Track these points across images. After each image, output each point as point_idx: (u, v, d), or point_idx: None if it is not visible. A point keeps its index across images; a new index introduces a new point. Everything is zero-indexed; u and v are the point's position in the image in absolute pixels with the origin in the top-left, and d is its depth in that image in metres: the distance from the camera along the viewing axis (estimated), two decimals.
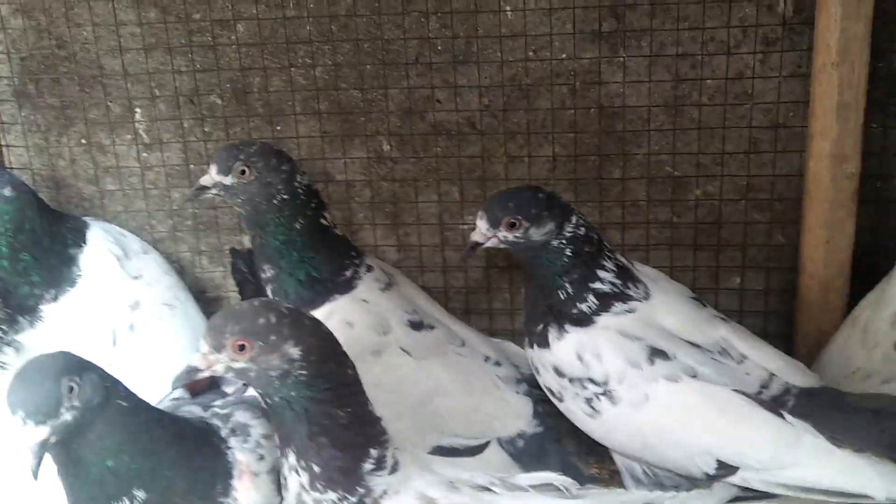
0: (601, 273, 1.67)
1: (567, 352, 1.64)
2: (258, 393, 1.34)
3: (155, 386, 1.77)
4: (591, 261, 1.67)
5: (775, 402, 1.59)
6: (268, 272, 1.82)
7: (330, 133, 2.12)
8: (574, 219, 1.65)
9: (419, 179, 2.14)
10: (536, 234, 1.63)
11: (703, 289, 2.02)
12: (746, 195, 2.05)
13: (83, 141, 2.17)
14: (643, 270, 1.76)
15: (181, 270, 2.16)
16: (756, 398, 1.58)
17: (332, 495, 1.30)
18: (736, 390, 1.57)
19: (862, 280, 1.92)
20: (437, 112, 2.08)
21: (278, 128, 2.12)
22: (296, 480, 1.32)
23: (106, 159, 2.19)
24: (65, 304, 1.86)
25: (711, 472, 1.56)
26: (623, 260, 1.71)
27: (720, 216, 2.07)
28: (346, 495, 1.30)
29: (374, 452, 1.32)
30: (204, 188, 1.76)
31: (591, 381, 1.61)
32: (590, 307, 1.65)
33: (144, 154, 2.18)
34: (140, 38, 2.08)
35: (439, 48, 2.02)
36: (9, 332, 1.81)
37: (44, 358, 1.31)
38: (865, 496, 1.48)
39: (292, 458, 1.32)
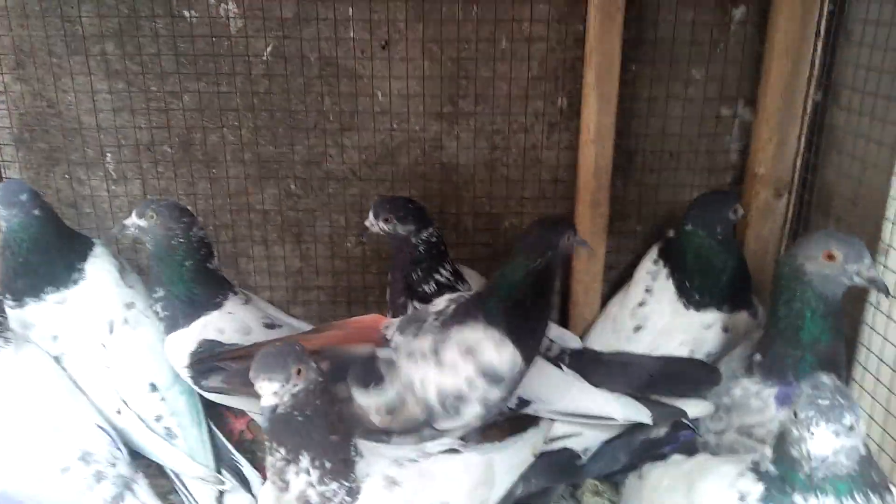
0: (441, 270, 1.75)
1: None
2: None
3: (142, 367, 1.72)
4: (436, 260, 1.76)
5: (556, 359, 1.65)
6: (159, 292, 1.70)
7: (252, 176, 2.09)
8: (430, 229, 1.75)
9: (316, 210, 2.13)
10: (401, 229, 1.73)
11: None
12: None
13: (66, 176, 2.08)
14: (470, 274, 1.84)
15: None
16: (543, 355, 1.63)
17: (334, 486, 1.17)
18: None
19: (610, 286, 2.04)
20: (330, 164, 2.08)
21: (214, 171, 2.08)
22: (303, 480, 1.16)
23: (83, 189, 2.10)
24: (70, 297, 1.72)
25: (513, 406, 1.56)
26: (456, 266, 1.79)
27: None
28: (344, 482, 1.18)
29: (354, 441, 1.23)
30: (125, 226, 1.69)
31: None
32: (431, 289, 1.72)
33: (113, 187, 2.10)
34: (111, 102, 2.01)
35: (331, 119, 2.03)
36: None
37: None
38: (611, 418, 1.57)
39: (304, 462, 1.16)
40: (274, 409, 1.14)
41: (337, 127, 2.03)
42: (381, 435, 1.47)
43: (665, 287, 1.86)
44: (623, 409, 1.58)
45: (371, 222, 1.76)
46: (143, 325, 1.76)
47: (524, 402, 1.59)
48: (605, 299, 2.03)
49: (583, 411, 1.60)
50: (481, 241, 2.14)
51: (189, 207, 1.75)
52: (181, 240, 1.66)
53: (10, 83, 2.00)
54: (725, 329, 1.80)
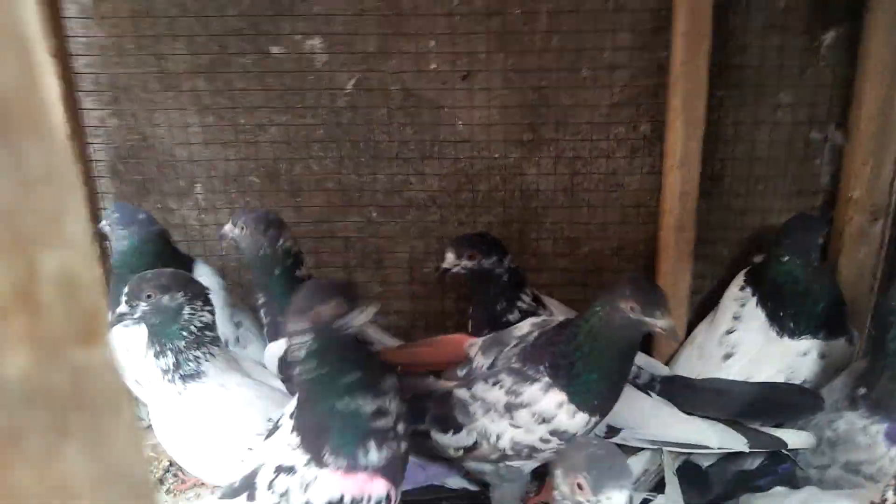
0: (523, 297, 1.78)
1: None
2: None
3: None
4: (517, 288, 1.77)
5: (646, 386, 1.64)
6: (260, 298, 1.79)
7: (334, 204, 2.13)
8: (509, 257, 1.77)
9: (396, 237, 2.16)
10: (486, 262, 1.73)
11: None
12: (618, 252, 2.10)
13: (158, 206, 2.16)
14: (548, 300, 1.85)
15: None
16: (632, 382, 1.61)
17: None
18: None
19: (696, 312, 2.01)
20: (410, 191, 2.11)
21: (298, 199, 2.13)
22: None
23: (173, 218, 2.17)
24: None
25: (602, 434, 1.57)
26: (535, 292, 1.82)
27: (601, 265, 2.12)
28: None
29: None
30: (223, 235, 1.80)
31: None
32: (515, 318, 1.72)
33: (202, 216, 2.18)
34: (201, 135, 2.09)
35: (412, 147, 2.06)
36: None
37: None
38: (705, 446, 1.55)
39: None
40: None
41: (417, 155, 2.06)
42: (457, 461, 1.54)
43: (754, 314, 1.83)
44: (718, 437, 1.56)
45: (452, 262, 1.75)
46: (251, 344, 1.83)
47: (613, 430, 1.59)
48: (690, 326, 2.00)
49: (675, 439, 1.58)
50: (560, 267, 2.14)
51: (282, 218, 1.81)
52: (267, 250, 1.73)
53: (106, 118, 2.10)
54: (822, 356, 1.76)
